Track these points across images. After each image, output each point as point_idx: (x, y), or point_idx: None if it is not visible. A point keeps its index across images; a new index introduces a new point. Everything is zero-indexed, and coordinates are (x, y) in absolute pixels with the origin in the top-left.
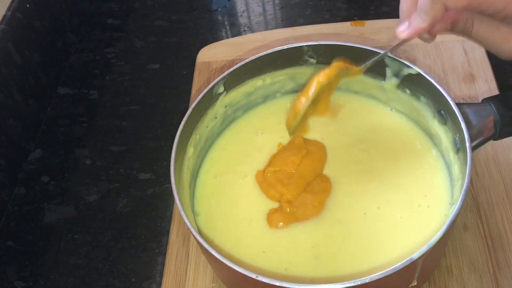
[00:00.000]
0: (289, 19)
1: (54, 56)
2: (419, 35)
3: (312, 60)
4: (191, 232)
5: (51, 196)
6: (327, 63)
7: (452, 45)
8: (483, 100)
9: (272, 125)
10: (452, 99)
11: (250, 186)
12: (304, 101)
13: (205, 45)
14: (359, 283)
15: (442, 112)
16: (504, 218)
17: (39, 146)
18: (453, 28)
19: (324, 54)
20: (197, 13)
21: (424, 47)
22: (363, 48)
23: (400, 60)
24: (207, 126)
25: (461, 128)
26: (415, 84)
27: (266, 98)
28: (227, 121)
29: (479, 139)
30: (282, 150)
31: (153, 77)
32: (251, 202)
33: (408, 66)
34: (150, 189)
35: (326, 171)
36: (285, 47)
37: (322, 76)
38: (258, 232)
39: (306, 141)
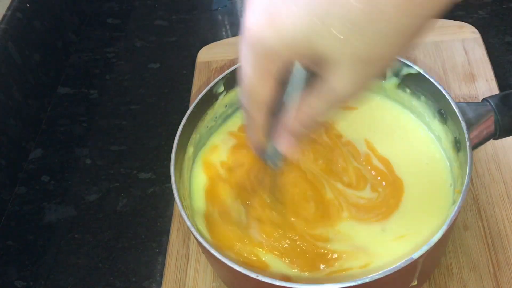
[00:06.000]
0: None
1: (54, 56)
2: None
3: None
4: (191, 232)
5: (51, 196)
6: None
7: (452, 44)
8: (483, 100)
9: None
10: (452, 98)
11: None
12: None
13: (205, 45)
14: (359, 282)
15: (442, 111)
16: (504, 218)
17: (39, 146)
18: None
19: None
20: (197, 13)
21: (424, 47)
22: None
23: (400, 59)
24: (207, 126)
25: (461, 128)
26: (415, 84)
27: None
28: (227, 121)
29: (479, 138)
30: None
31: (153, 76)
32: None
33: (408, 66)
34: (150, 189)
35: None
36: None
37: None
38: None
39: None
